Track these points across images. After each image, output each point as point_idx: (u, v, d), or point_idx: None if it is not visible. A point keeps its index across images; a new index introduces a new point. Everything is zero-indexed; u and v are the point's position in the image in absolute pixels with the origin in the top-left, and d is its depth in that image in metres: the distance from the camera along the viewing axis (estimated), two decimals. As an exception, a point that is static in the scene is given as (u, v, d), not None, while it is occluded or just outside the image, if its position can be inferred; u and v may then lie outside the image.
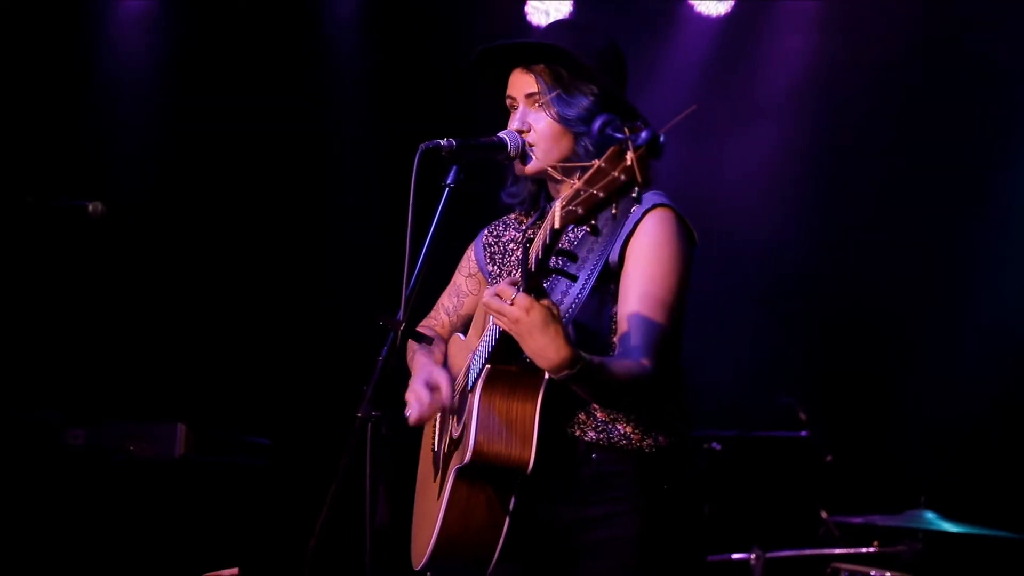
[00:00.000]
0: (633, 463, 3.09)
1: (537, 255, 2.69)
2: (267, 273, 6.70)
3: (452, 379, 3.26)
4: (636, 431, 3.10)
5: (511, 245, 3.42)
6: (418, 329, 3.57)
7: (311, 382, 6.49)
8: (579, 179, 2.53)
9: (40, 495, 5.74)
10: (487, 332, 3.03)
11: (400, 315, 2.97)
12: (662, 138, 2.46)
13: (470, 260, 3.55)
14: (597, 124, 2.87)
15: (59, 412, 5.92)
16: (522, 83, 3.24)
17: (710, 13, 6.91)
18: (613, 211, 2.54)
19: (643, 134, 2.47)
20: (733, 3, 6.89)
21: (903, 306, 6.75)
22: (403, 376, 3.46)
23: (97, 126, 6.59)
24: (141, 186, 6.56)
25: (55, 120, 6.39)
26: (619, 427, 3.10)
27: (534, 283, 2.72)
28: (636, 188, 2.47)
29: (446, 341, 3.54)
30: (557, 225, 2.57)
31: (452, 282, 3.61)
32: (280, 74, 6.78)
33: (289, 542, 5.02)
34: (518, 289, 2.74)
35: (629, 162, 2.45)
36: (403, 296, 3.00)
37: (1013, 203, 6.70)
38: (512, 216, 3.48)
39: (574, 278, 2.84)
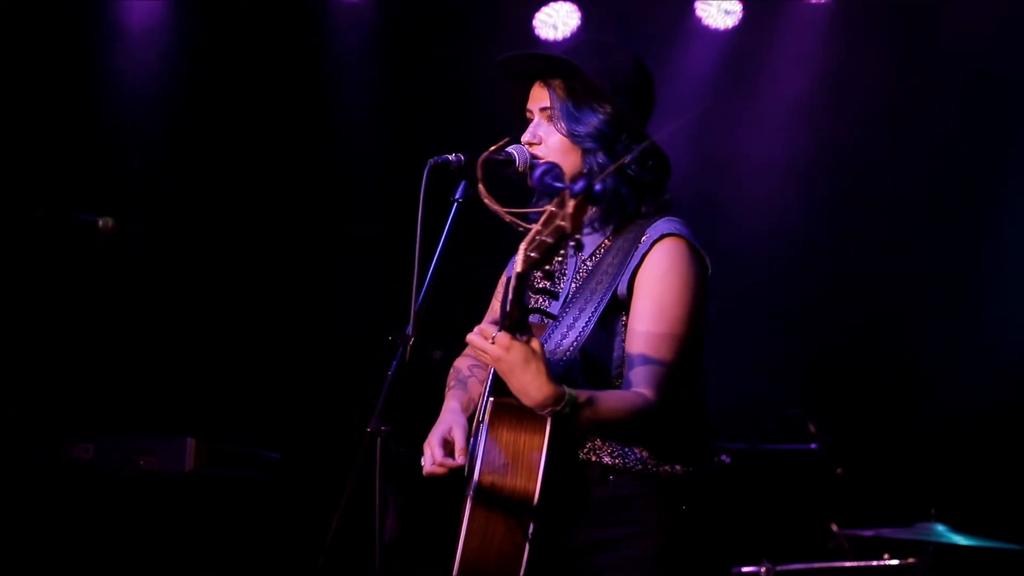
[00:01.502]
0: (650, 486, 3.09)
1: (510, 295, 2.74)
2: (278, 287, 6.70)
3: (469, 427, 3.27)
4: (653, 457, 3.10)
5: (537, 273, 3.42)
6: (463, 357, 3.56)
7: (321, 396, 6.49)
8: (539, 222, 2.62)
9: (49, 509, 5.75)
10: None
11: (409, 330, 2.98)
12: (598, 186, 2.53)
13: (502, 285, 3.55)
14: (537, 172, 2.97)
15: (68, 426, 5.93)
16: (539, 96, 3.27)
17: (718, 26, 6.92)
18: (560, 256, 2.66)
19: (580, 182, 2.53)
20: (741, 16, 6.90)
21: (913, 319, 6.74)
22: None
23: (105, 138, 6.59)
24: (149, 199, 6.56)
25: (63, 134, 6.40)
26: (636, 451, 3.10)
27: (511, 322, 2.77)
28: (576, 237, 2.56)
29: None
30: (519, 269, 2.66)
31: (490, 308, 3.62)
32: (289, 84, 6.79)
33: (299, 557, 5.03)
34: (499, 327, 2.79)
35: (570, 209, 2.51)
36: (412, 311, 3.01)
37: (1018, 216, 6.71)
38: None
39: (555, 318, 2.87)
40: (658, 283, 3.06)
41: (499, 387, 2.96)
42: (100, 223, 4.30)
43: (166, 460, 5.34)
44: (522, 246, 2.63)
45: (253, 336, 6.62)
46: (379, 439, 2.89)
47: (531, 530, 2.96)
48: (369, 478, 3.01)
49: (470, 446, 3.22)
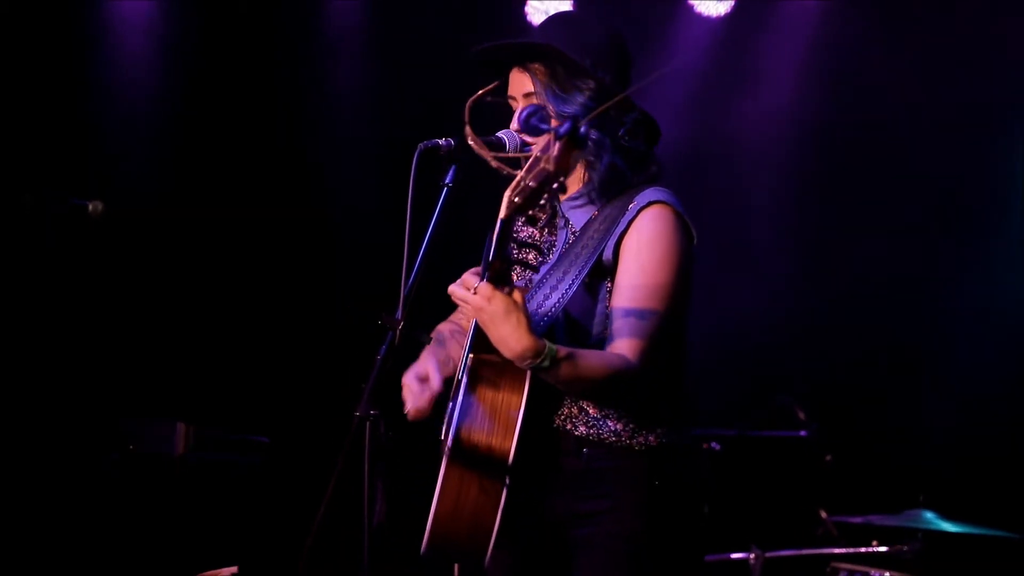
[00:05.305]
0: (623, 460, 3.09)
1: (492, 244, 2.72)
2: (266, 271, 6.70)
3: (445, 367, 3.26)
4: (626, 429, 3.10)
5: (532, 229, 3.43)
6: (445, 323, 3.56)
7: (309, 380, 6.50)
8: (524, 168, 2.61)
9: (40, 493, 5.75)
10: (472, 322, 3.05)
11: (399, 314, 2.98)
12: (583, 128, 2.51)
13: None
14: (523, 114, 3.01)
15: (59, 410, 5.92)
16: (520, 82, 3.25)
17: (710, 13, 6.91)
18: (543, 202, 2.64)
19: (565, 125, 2.52)
20: (733, 3, 6.89)
21: (902, 304, 6.75)
22: (401, 375, 3.46)
23: (98, 123, 6.59)
24: (140, 184, 6.55)
25: (55, 119, 6.39)
26: (609, 424, 3.10)
27: (493, 272, 2.75)
28: (560, 179, 2.54)
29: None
30: (503, 214, 2.64)
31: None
32: (280, 71, 6.79)
33: (287, 540, 5.04)
34: (481, 278, 2.77)
35: (554, 152, 2.49)
36: (401, 295, 3.02)
37: (1013, 205, 6.71)
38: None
39: (535, 269, 2.88)
40: (643, 249, 3.05)
41: (480, 343, 2.96)
42: (90, 207, 4.31)
43: (156, 444, 5.35)
44: (507, 192, 2.61)
45: (242, 321, 6.62)
46: (368, 423, 2.90)
47: (504, 490, 2.96)
48: (357, 462, 3.02)
49: (449, 407, 3.22)
